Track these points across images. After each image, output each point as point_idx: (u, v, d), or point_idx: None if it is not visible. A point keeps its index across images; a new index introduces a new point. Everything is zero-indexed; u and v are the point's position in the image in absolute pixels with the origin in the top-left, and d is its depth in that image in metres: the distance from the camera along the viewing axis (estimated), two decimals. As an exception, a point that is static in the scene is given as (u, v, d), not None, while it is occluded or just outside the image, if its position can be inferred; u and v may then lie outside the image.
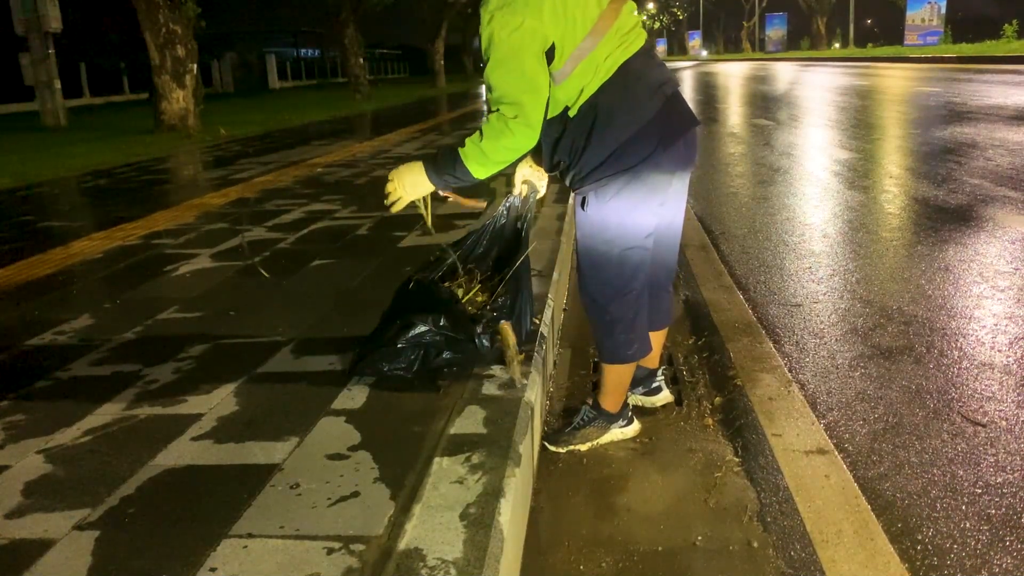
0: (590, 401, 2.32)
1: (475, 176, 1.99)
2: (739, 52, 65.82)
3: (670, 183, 2.04)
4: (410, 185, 2.08)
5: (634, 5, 2.04)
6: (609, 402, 2.26)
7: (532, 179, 2.30)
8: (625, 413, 2.31)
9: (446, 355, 2.24)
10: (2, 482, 1.86)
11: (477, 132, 1.96)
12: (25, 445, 2.04)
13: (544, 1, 1.86)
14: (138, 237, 4.66)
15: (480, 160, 1.96)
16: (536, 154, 2.19)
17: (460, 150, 1.98)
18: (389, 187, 2.11)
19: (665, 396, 2.51)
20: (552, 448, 2.25)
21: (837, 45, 53.06)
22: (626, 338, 2.16)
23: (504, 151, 1.94)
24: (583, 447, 2.25)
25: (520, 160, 2.13)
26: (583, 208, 2.04)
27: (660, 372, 2.50)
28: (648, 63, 1.99)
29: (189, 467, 1.88)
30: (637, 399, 2.48)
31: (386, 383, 2.27)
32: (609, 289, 2.10)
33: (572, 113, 1.96)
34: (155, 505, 1.72)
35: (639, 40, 1.99)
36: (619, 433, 2.29)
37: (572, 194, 2.13)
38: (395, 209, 2.12)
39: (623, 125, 1.93)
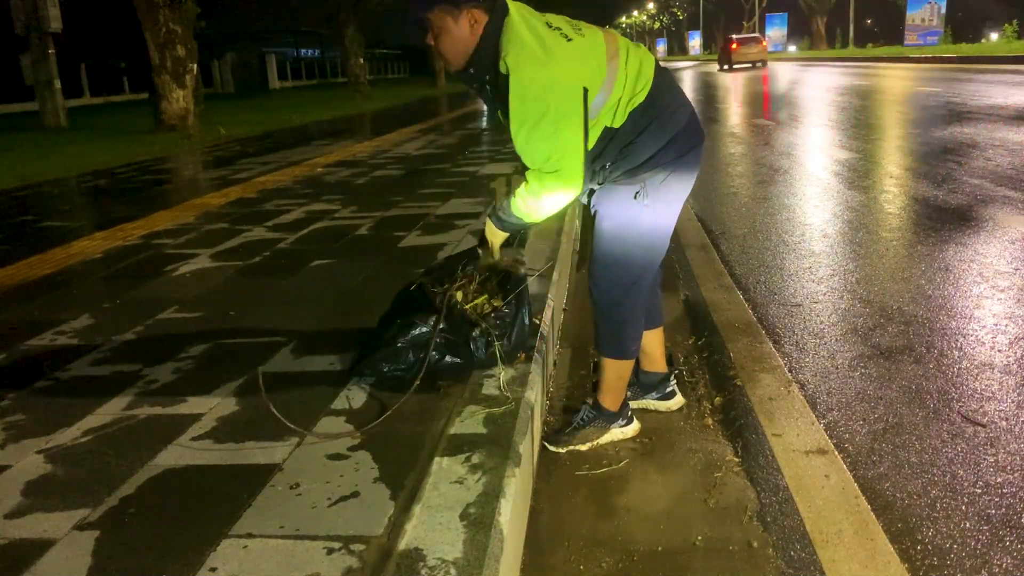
0: (590, 401, 2.32)
1: (530, 223, 2.13)
2: (739, 52, 65.66)
3: (691, 184, 2.12)
4: (491, 236, 2.24)
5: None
6: (609, 400, 2.26)
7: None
8: (625, 412, 2.31)
9: (447, 359, 2.24)
10: (2, 482, 1.86)
11: (521, 190, 2.03)
12: (25, 445, 2.04)
13: (558, 46, 1.90)
14: (138, 237, 4.66)
15: (528, 214, 2.08)
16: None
17: (512, 204, 2.08)
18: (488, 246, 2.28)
19: (679, 400, 2.49)
20: (552, 448, 2.25)
21: (838, 46, 53.06)
22: (633, 333, 2.21)
23: (550, 206, 2.03)
24: (583, 447, 2.25)
25: None
26: (636, 198, 2.04)
27: (672, 376, 2.49)
28: (667, 70, 2.12)
29: (189, 467, 1.88)
30: (651, 403, 2.47)
31: (386, 384, 2.27)
32: (627, 284, 2.13)
33: (618, 124, 1.99)
34: (155, 505, 1.72)
35: (647, 52, 2.11)
36: (619, 433, 2.29)
37: (604, 190, 2.12)
38: (496, 257, 2.31)
39: (673, 119, 2.03)
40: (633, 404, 2.43)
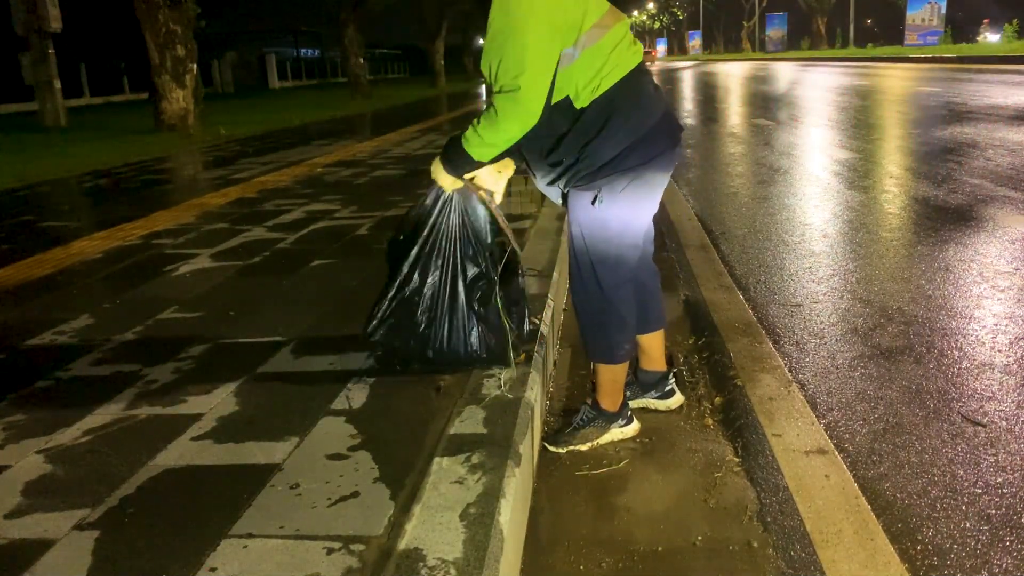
0: (589, 401, 2.32)
1: (478, 159, 2.04)
2: (739, 52, 65.83)
3: (664, 184, 2.12)
4: (440, 178, 2.14)
5: (627, 23, 2.10)
6: (607, 401, 2.26)
7: (488, 182, 2.23)
8: (625, 412, 2.31)
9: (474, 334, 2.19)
10: (2, 482, 1.86)
11: (477, 118, 2.00)
12: (25, 445, 2.04)
13: None
14: (138, 237, 4.66)
15: (479, 145, 2.00)
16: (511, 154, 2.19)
17: (462, 137, 2.03)
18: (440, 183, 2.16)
19: (678, 399, 2.49)
20: (552, 449, 2.25)
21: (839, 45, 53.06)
22: (619, 338, 2.18)
23: (502, 134, 1.96)
24: (583, 447, 2.25)
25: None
26: (595, 204, 2.03)
27: (671, 375, 2.50)
28: (648, 75, 2.11)
29: (189, 467, 1.88)
30: (650, 403, 2.47)
31: (385, 384, 2.27)
32: (605, 288, 2.11)
33: (581, 105, 1.97)
34: (155, 505, 1.72)
35: (640, 54, 2.09)
36: (619, 433, 2.29)
37: (570, 193, 2.12)
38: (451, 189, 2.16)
39: (637, 123, 1.99)
40: (632, 403, 2.43)
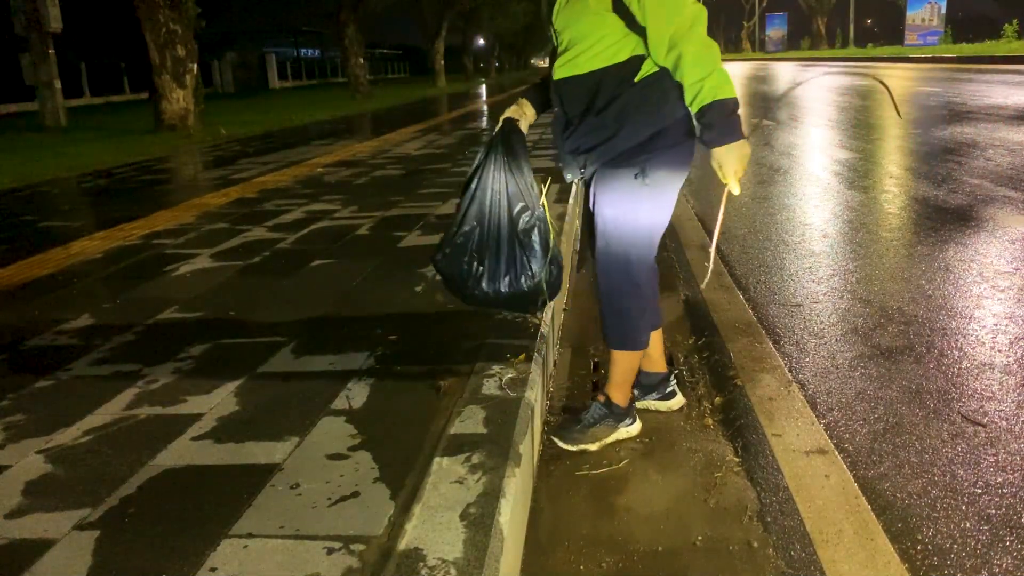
0: (601, 397, 2.29)
1: (732, 93, 1.89)
2: (739, 52, 65.85)
3: (686, 175, 2.12)
4: (739, 159, 1.94)
5: None
6: (619, 395, 2.26)
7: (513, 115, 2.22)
8: (631, 411, 2.31)
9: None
10: (2, 482, 1.86)
11: (699, 74, 1.87)
12: (25, 445, 2.04)
13: None
14: (138, 237, 4.66)
15: (724, 79, 1.88)
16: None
17: (714, 93, 1.87)
18: (726, 177, 1.97)
19: (680, 400, 2.48)
20: (563, 445, 2.24)
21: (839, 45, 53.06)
22: (641, 323, 2.19)
23: (714, 47, 1.90)
24: (593, 447, 2.24)
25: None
26: (636, 179, 2.02)
27: (672, 376, 2.49)
28: None
29: (189, 467, 1.88)
30: (652, 404, 2.46)
31: (385, 384, 2.27)
32: (634, 272, 2.12)
33: (638, 78, 1.97)
34: (155, 505, 1.72)
35: None
36: (625, 432, 2.29)
37: (600, 173, 2.08)
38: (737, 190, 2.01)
39: (678, 102, 1.97)
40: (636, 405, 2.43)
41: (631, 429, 2.30)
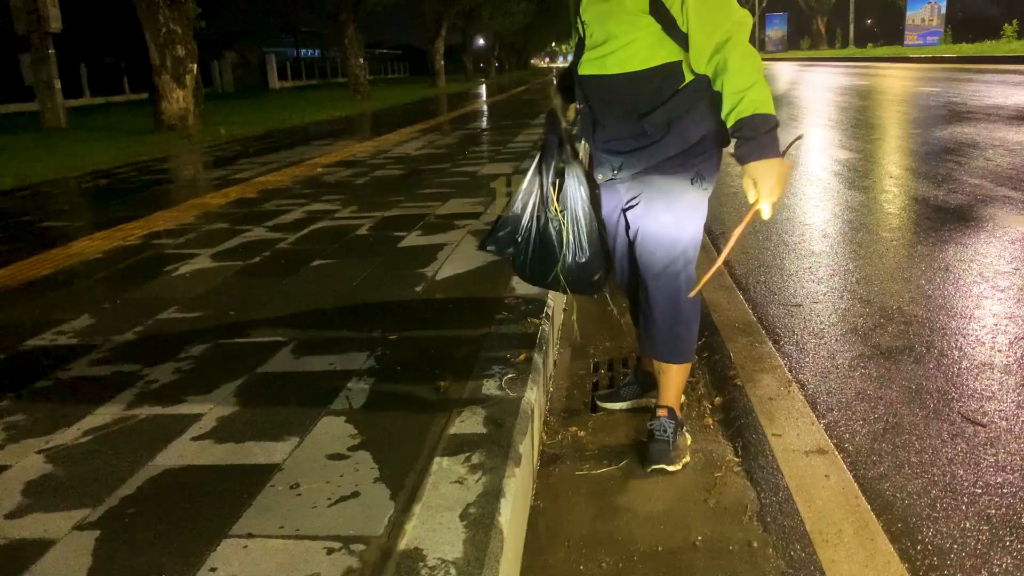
0: (664, 412, 2.16)
1: (772, 109, 1.81)
2: (739, 52, 65.70)
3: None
4: (778, 180, 1.86)
5: None
6: (678, 406, 2.21)
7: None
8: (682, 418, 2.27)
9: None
10: (2, 482, 1.86)
11: (741, 84, 1.79)
12: (25, 445, 2.04)
13: None
14: (138, 237, 4.66)
15: (765, 93, 1.80)
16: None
17: (755, 106, 1.79)
18: (761, 196, 1.89)
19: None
20: (669, 468, 2.09)
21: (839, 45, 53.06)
22: (694, 332, 2.16)
23: (760, 67, 1.83)
24: (687, 459, 2.15)
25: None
26: (694, 184, 1.98)
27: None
28: None
29: (189, 467, 1.88)
30: (651, 403, 2.33)
31: (385, 384, 2.27)
32: (689, 281, 2.09)
33: (683, 84, 1.92)
34: (155, 505, 1.72)
35: None
36: (686, 439, 2.23)
37: (653, 182, 2.01)
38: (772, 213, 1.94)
39: (716, 110, 1.90)
40: (632, 404, 2.42)
41: (687, 435, 2.26)
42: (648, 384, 2.45)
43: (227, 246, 4.30)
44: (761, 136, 1.79)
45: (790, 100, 15.52)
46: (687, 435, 2.24)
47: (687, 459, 2.15)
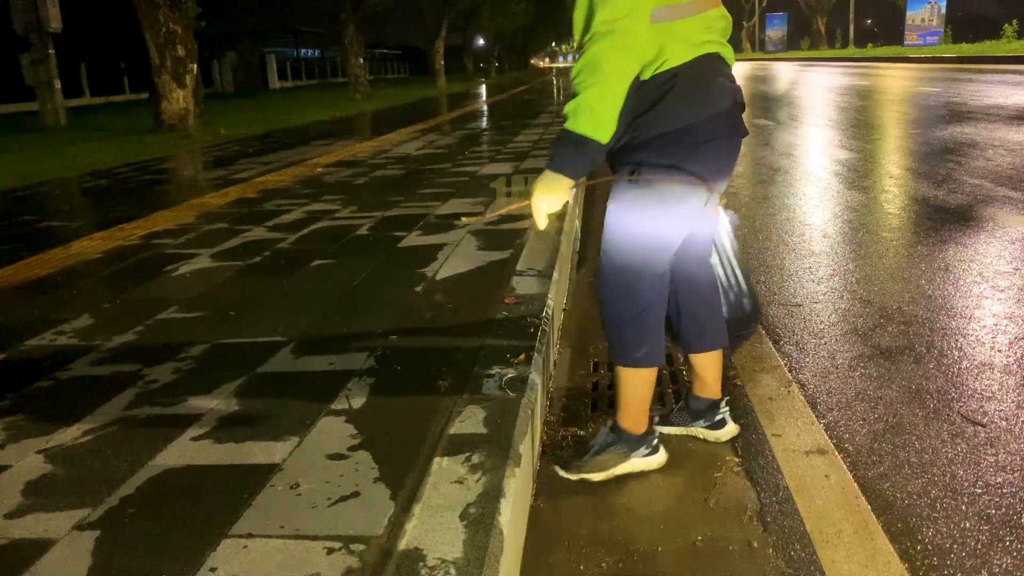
0: (608, 423, 2.12)
1: (594, 134, 1.73)
2: (739, 52, 65.87)
3: (716, 185, 1.91)
4: (547, 194, 1.84)
5: (728, 16, 1.91)
6: (627, 420, 2.05)
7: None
8: (649, 440, 2.09)
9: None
10: (2, 482, 1.86)
11: (575, 89, 1.75)
12: (25, 445, 2.04)
13: None
14: (138, 237, 4.66)
15: (586, 109, 1.71)
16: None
17: (565, 124, 1.77)
18: (532, 211, 1.88)
19: (731, 430, 2.25)
20: (563, 474, 2.08)
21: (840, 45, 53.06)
22: (633, 337, 1.97)
23: (610, 70, 1.69)
24: (597, 477, 2.05)
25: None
26: (633, 179, 1.86)
27: (724, 403, 2.25)
28: (728, 68, 1.92)
29: (189, 467, 1.88)
30: (699, 432, 2.26)
31: (385, 384, 2.27)
32: (624, 281, 1.94)
33: (645, 77, 1.79)
34: (155, 505, 1.72)
35: (728, 49, 1.92)
36: (640, 463, 2.07)
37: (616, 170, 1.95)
38: (543, 226, 1.91)
39: (695, 106, 1.81)
40: (679, 431, 2.27)
41: (650, 460, 2.08)
42: (697, 411, 2.27)
43: (227, 246, 4.30)
44: (557, 148, 1.81)
45: (790, 100, 15.52)
46: (634, 460, 2.07)
47: (597, 477, 2.05)
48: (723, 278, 2.18)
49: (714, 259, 2.17)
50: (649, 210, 1.88)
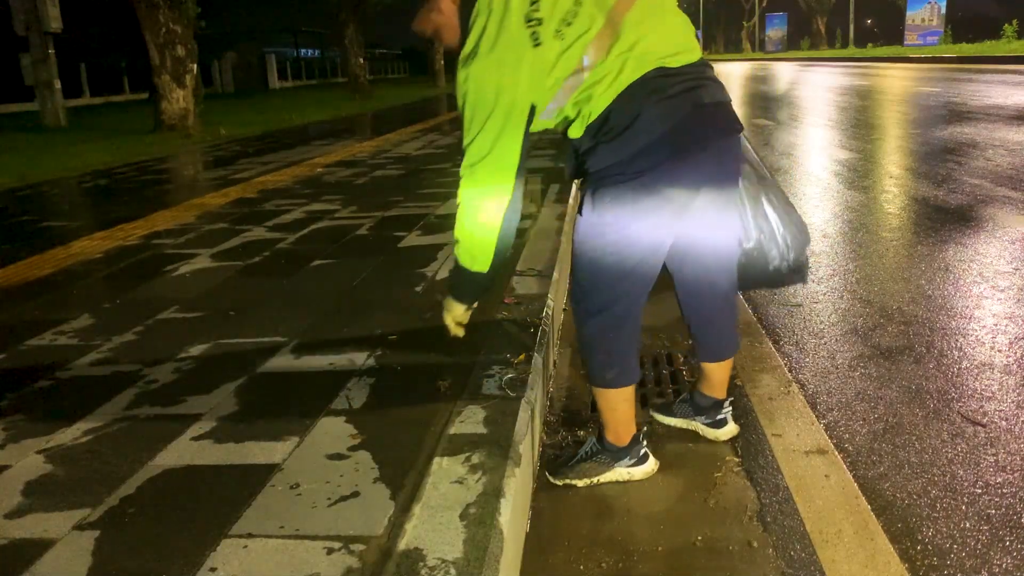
0: (596, 434, 2.15)
1: (471, 267, 1.87)
2: (739, 52, 65.88)
3: (692, 198, 1.83)
4: (450, 314, 2.04)
5: (657, 12, 1.82)
6: (611, 434, 2.06)
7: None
8: (635, 451, 2.09)
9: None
10: (2, 482, 1.86)
11: (454, 234, 1.88)
12: (25, 445, 2.04)
13: (522, 61, 1.72)
14: (138, 237, 4.66)
15: (464, 244, 1.85)
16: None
17: (456, 255, 1.90)
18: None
19: (731, 429, 2.28)
20: (551, 479, 2.10)
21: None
22: (601, 361, 1.98)
23: (479, 209, 1.78)
24: (579, 483, 2.07)
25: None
26: (579, 210, 1.90)
27: (727, 403, 2.28)
28: (671, 76, 1.79)
29: (189, 467, 1.88)
30: (699, 427, 2.30)
31: (385, 384, 2.27)
32: (590, 301, 1.94)
33: (577, 135, 1.84)
34: (155, 505, 1.72)
35: (676, 45, 1.82)
36: (624, 473, 2.08)
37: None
38: (457, 334, 2.08)
39: (631, 137, 1.76)
40: (680, 423, 2.32)
41: (635, 471, 2.09)
42: (700, 407, 2.31)
43: (227, 246, 4.30)
44: (450, 271, 1.98)
45: (790, 100, 15.52)
46: (618, 469, 2.08)
47: (579, 483, 2.07)
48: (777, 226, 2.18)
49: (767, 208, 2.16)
50: (595, 237, 1.88)
